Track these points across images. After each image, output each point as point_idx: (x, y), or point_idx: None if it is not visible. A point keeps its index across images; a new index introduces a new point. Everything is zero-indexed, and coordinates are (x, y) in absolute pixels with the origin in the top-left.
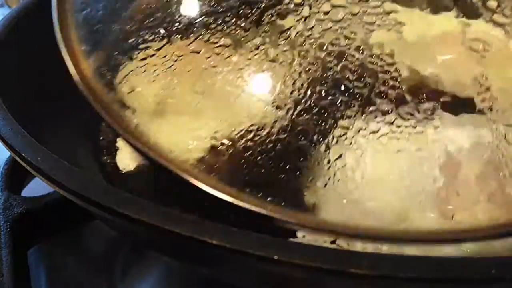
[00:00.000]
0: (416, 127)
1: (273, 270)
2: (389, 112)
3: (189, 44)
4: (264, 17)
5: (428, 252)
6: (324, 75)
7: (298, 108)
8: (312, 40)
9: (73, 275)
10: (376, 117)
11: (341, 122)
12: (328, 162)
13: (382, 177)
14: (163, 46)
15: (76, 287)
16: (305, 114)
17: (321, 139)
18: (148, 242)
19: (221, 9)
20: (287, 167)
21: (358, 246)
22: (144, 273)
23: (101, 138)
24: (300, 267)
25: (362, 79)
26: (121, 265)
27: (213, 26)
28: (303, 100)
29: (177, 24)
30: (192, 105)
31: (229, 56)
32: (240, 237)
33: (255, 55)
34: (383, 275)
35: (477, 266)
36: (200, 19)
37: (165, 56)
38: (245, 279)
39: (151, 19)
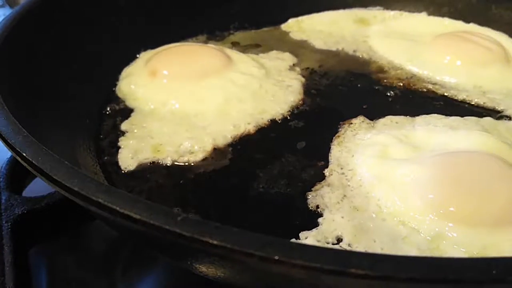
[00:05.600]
0: None
1: (273, 270)
2: None
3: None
4: None
5: (428, 252)
6: None
7: None
8: None
9: (74, 275)
10: None
11: None
12: None
13: None
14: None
15: (77, 287)
16: None
17: None
18: (148, 242)
19: None
20: None
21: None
22: (144, 273)
23: (101, 138)
24: (300, 267)
25: None
26: (121, 265)
27: None
28: None
29: None
30: None
31: None
32: (240, 237)
33: None
34: (383, 275)
35: (477, 266)
36: None
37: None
38: (245, 279)
39: None
